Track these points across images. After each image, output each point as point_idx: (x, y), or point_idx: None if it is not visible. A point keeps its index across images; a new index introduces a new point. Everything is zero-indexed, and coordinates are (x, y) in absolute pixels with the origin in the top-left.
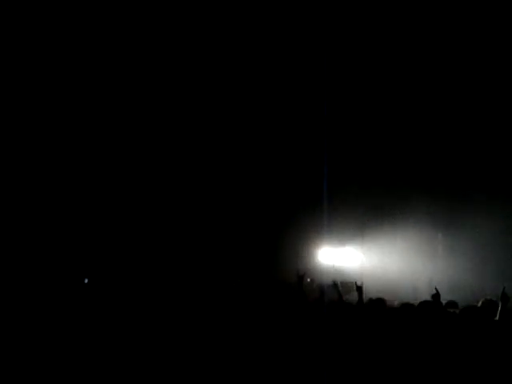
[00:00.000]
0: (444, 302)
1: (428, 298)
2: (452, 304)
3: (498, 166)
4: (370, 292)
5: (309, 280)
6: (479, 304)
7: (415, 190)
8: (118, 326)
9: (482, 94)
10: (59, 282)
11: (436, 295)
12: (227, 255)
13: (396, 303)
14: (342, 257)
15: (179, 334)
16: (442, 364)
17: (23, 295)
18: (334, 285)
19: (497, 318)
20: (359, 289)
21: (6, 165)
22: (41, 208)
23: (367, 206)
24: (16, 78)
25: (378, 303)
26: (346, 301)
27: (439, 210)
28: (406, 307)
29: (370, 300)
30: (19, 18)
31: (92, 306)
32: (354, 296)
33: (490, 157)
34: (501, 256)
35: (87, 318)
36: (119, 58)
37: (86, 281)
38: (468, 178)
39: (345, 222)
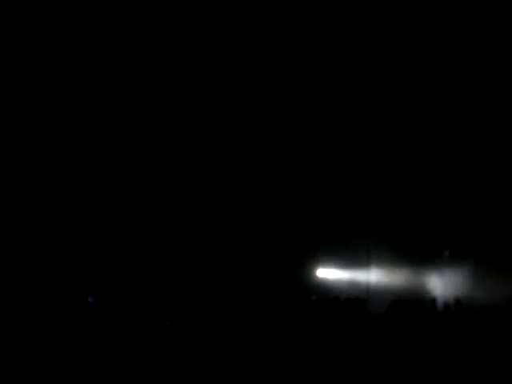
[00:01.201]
0: None
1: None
2: None
3: None
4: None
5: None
6: None
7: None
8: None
9: None
10: (63, 299)
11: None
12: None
13: None
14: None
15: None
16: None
17: (26, 309)
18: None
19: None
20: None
21: (6, 166)
22: (44, 218)
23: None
24: (16, 78)
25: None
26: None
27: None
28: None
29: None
30: (19, 17)
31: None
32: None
33: None
34: None
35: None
36: (119, 58)
37: (91, 299)
38: None
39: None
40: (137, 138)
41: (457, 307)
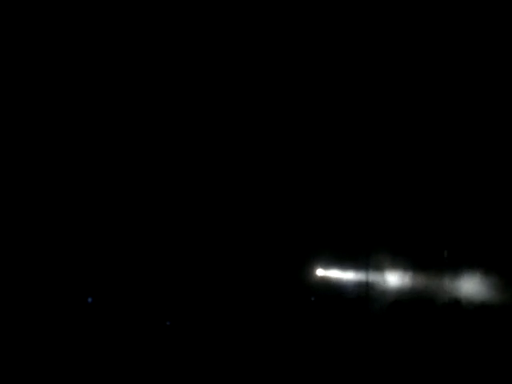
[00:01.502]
0: None
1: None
2: None
3: None
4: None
5: None
6: None
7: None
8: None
9: None
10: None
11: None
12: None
13: None
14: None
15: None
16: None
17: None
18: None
19: None
20: None
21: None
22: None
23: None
24: (16, 78)
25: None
26: None
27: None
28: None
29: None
30: (19, 17)
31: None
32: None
33: None
34: None
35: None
36: (119, 58)
37: (90, 300)
38: None
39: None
40: (137, 138)
41: (456, 307)
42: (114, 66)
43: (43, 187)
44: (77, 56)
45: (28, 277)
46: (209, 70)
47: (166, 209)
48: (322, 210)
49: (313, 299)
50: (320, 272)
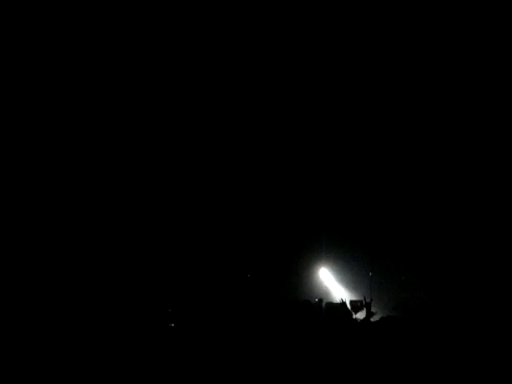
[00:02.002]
0: None
1: None
2: None
3: None
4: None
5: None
6: None
7: None
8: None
9: None
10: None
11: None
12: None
13: None
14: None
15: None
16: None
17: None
18: (342, 303)
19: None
20: (368, 305)
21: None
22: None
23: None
24: (16, 78)
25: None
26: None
27: None
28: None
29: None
30: (19, 17)
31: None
32: (362, 314)
33: None
34: None
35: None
36: (119, 58)
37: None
38: None
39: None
40: (137, 138)
41: (454, 309)
42: (114, 67)
43: (43, 187)
44: (77, 57)
45: (33, 278)
46: (209, 71)
47: (168, 211)
48: (326, 212)
49: (316, 300)
50: (323, 272)
